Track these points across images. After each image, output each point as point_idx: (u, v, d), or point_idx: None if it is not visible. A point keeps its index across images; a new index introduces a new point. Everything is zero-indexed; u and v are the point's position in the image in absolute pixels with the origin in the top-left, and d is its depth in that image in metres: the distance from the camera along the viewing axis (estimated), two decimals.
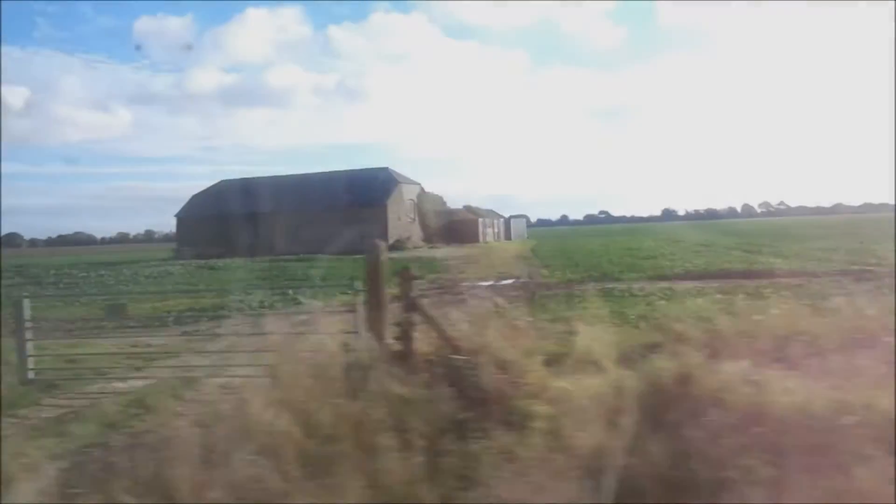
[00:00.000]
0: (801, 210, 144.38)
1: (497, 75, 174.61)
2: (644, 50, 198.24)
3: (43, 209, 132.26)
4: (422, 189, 55.42)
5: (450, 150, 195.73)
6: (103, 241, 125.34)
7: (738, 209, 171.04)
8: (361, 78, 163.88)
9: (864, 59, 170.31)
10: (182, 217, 59.19)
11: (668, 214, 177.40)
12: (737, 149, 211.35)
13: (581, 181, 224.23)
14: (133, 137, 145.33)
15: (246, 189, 58.32)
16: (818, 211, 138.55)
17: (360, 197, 49.72)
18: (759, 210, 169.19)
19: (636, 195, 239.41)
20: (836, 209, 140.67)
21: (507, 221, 65.49)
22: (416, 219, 53.61)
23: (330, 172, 55.30)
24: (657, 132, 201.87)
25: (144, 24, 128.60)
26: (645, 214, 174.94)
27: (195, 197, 60.98)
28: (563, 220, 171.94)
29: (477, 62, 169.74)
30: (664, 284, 18.15)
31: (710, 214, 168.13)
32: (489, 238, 57.87)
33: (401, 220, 50.94)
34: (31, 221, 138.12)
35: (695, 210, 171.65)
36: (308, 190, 53.16)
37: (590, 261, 29.94)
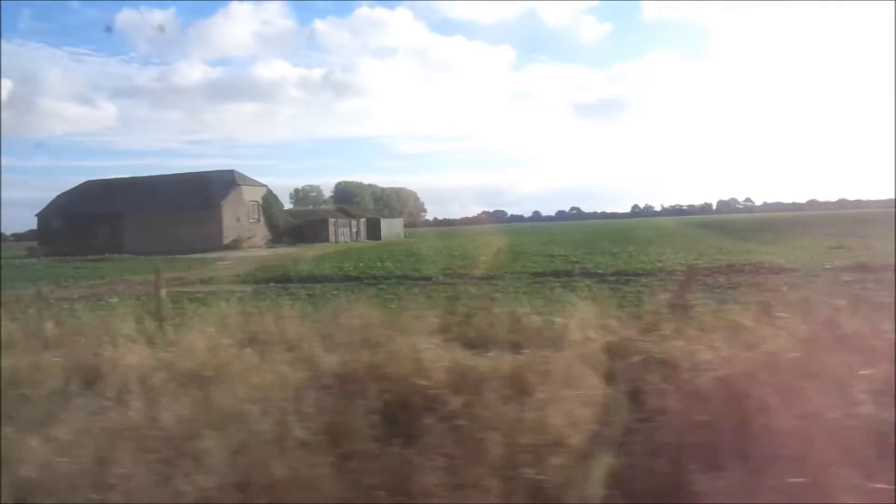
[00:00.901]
0: (777, 206, 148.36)
1: (483, 70, 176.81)
2: (628, 47, 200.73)
3: (24, 202, 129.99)
4: (268, 190, 57.39)
5: (438, 145, 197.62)
6: None
7: (714, 205, 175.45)
8: (348, 73, 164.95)
9: (846, 57, 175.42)
10: (43, 216, 60.37)
11: (642, 210, 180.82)
12: (716, 145, 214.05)
13: (560, 177, 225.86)
14: (118, 131, 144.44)
15: (107, 190, 59.78)
16: (793, 207, 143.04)
17: (199, 198, 51.61)
18: (736, 206, 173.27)
19: (611, 191, 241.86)
20: (811, 205, 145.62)
21: (375, 222, 67.70)
22: (261, 219, 55.55)
23: (180, 174, 57.15)
24: (637, 128, 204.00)
25: (128, 17, 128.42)
26: (619, 210, 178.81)
27: (59, 196, 62.19)
28: (536, 217, 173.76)
29: (464, 57, 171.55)
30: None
31: (683, 211, 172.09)
32: (344, 238, 59.98)
33: (240, 221, 52.89)
34: (13, 215, 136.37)
35: (670, 206, 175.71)
36: (159, 191, 54.85)
37: (373, 263, 31.02)
